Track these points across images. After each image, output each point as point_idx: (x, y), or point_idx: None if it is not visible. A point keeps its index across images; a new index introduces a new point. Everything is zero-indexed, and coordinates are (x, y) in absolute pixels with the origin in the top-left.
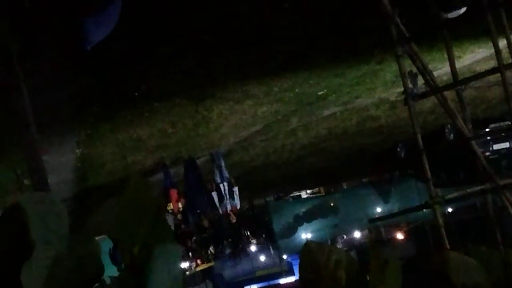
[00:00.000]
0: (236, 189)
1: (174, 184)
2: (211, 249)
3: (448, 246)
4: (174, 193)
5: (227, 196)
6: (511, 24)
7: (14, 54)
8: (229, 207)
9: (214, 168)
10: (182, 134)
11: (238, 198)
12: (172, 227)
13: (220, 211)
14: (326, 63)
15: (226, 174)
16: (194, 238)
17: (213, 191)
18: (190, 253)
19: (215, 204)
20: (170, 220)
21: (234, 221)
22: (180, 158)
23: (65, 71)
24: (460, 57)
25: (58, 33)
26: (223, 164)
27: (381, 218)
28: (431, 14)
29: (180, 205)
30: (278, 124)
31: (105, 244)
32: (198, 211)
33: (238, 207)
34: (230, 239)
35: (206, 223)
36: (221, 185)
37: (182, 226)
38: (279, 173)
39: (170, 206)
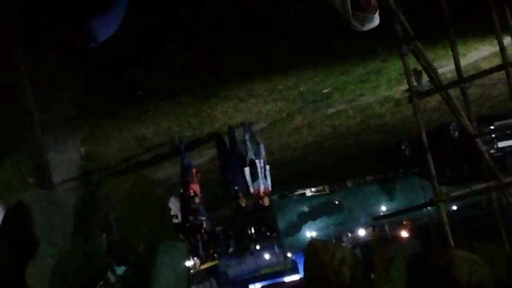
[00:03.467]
0: (268, 167)
1: (192, 164)
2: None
3: (452, 244)
4: (195, 172)
5: (262, 175)
6: None
7: (18, 53)
8: (262, 188)
9: (248, 142)
10: (186, 133)
11: (270, 178)
12: (179, 216)
13: (252, 190)
14: (331, 61)
15: (262, 150)
16: (205, 227)
17: (245, 167)
18: (200, 247)
19: (246, 182)
20: (174, 204)
21: (267, 204)
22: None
23: (69, 70)
24: (464, 54)
25: (62, 31)
26: (260, 139)
27: (386, 216)
28: (435, 11)
29: (198, 187)
30: (283, 122)
31: None
32: (236, 188)
33: (270, 189)
34: (259, 225)
35: (243, 202)
36: (257, 161)
37: (191, 218)
38: (283, 171)
39: (192, 188)
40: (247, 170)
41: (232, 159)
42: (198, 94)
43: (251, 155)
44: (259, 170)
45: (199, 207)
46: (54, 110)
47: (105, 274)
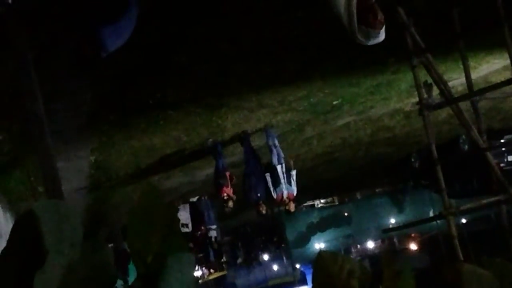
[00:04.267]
0: (294, 173)
1: (226, 167)
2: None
3: (461, 257)
4: (229, 176)
5: (285, 180)
6: None
7: (29, 61)
8: (285, 193)
9: (269, 147)
10: (196, 142)
11: (295, 183)
12: (189, 225)
13: (275, 196)
14: (341, 72)
15: (282, 154)
16: (216, 236)
17: (266, 173)
18: (212, 254)
19: (268, 188)
20: (185, 213)
21: (293, 209)
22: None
23: (80, 79)
24: (475, 67)
25: (73, 40)
26: (277, 143)
27: (395, 228)
28: (446, 25)
29: (232, 190)
30: (293, 133)
31: None
32: (259, 194)
33: (295, 193)
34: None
35: (264, 209)
36: (278, 167)
37: (201, 227)
38: None
39: (225, 191)
40: (268, 176)
41: (254, 165)
42: (208, 104)
43: (274, 160)
44: (280, 175)
45: (211, 216)
46: (64, 119)
47: (113, 284)
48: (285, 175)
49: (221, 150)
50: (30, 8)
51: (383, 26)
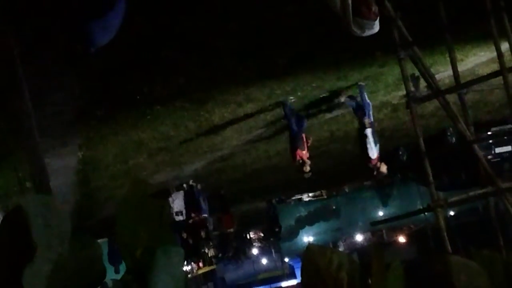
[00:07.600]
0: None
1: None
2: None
3: (450, 250)
4: (305, 138)
5: (375, 141)
6: None
7: (16, 57)
8: (375, 154)
9: (364, 105)
10: (184, 137)
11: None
12: (184, 213)
13: (373, 157)
14: (328, 66)
15: (370, 113)
16: (208, 225)
17: (365, 130)
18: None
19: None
20: (179, 200)
21: (385, 172)
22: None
23: (67, 74)
24: (462, 60)
25: (61, 35)
26: (367, 99)
27: (383, 221)
28: (433, 17)
29: (308, 154)
30: (280, 127)
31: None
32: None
33: (378, 154)
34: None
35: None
36: (367, 130)
37: (193, 214)
38: (281, 176)
39: (299, 155)
40: (369, 132)
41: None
42: (195, 99)
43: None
44: (371, 137)
45: (202, 205)
46: (52, 115)
47: (102, 278)
48: (374, 137)
49: (291, 112)
50: (17, 4)
51: (377, 17)
